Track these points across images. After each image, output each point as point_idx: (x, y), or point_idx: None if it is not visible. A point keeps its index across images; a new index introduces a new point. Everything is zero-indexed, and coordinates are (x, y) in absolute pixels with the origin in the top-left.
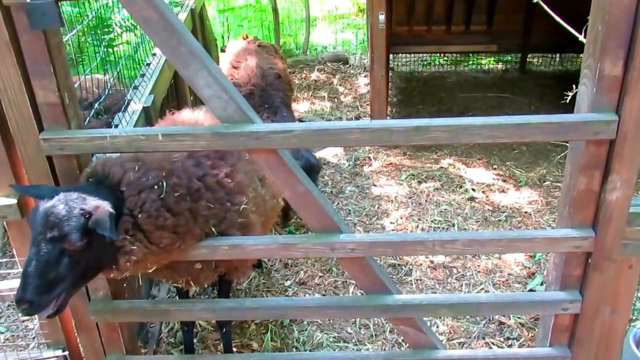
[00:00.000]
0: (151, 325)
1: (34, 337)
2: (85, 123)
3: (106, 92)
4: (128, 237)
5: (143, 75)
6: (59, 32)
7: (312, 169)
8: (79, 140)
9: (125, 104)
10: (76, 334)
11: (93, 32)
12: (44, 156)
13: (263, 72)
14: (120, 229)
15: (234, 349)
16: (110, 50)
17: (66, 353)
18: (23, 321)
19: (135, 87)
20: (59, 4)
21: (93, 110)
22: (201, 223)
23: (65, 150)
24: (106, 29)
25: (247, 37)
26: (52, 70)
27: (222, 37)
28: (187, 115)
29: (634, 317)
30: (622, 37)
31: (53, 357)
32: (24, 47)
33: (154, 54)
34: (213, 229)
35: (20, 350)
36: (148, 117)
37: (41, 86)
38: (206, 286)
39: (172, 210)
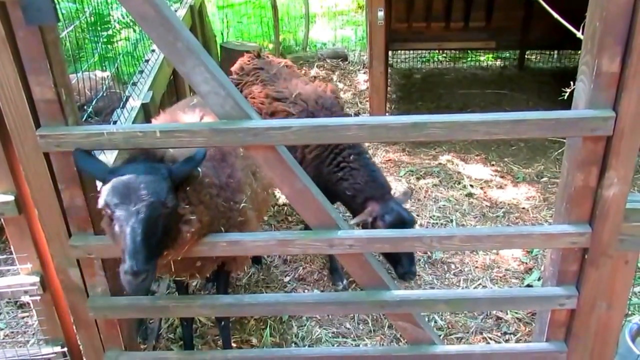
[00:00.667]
0: (150, 322)
1: (33, 334)
2: None
3: (100, 94)
4: (187, 206)
5: (142, 72)
6: (55, 28)
7: (405, 225)
8: (76, 136)
9: (123, 101)
10: (75, 330)
11: (92, 29)
12: (41, 153)
13: (320, 98)
14: (179, 198)
15: (233, 344)
16: (109, 46)
17: (65, 349)
18: (22, 317)
19: (134, 84)
20: (55, 0)
21: (85, 114)
22: (219, 218)
23: (63, 147)
24: (105, 25)
25: (258, 54)
26: (49, 66)
27: (222, 34)
28: (184, 117)
29: (629, 312)
30: (619, 33)
31: (52, 353)
32: (20, 44)
33: (153, 51)
34: (222, 228)
35: (20, 347)
36: (147, 113)
37: (38, 82)
38: (206, 281)
39: (207, 190)
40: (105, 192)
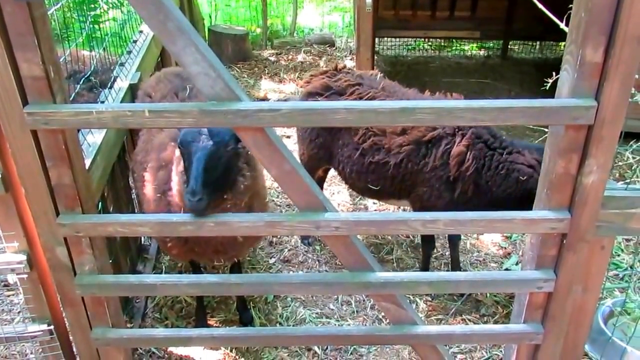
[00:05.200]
0: (137, 301)
1: (18, 312)
2: (75, 94)
3: (95, 67)
4: (245, 164)
5: (130, 53)
6: (43, 4)
7: None
8: (64, 114)
9: (111, 82)
10: (62, 308)
11: (79, 8)
12: (28, 130)
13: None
14: (241, 158)
15: (219, 324)
16: (96, 26)
17: (52, 327)
18: (8, 296)
19: (122, 64)
20: None
21: (80, 83)
22: (258, 190)
23: (50, 125)
24: (92, 5)
25: (336, 68)
26: (37, 42)
27: (210, 17)
28: None
29: (603, 296)
30: (604, 24)
31: (38, 331)
32: (7, 19)
33: (141, 32)
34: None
35: (5, 325)
36: (134, 94)
37: (25, 59)
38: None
39: (256, 162)
40: (181, 135)
